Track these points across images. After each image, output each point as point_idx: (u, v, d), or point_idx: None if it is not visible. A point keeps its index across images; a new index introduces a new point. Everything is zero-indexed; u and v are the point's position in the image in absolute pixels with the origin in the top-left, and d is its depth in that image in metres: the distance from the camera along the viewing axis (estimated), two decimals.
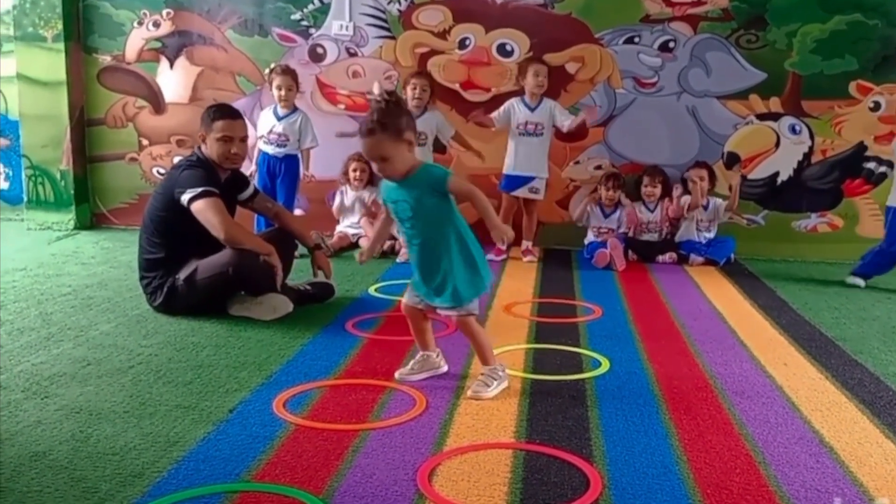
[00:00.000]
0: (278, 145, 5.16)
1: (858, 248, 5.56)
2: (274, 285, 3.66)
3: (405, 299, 2.89)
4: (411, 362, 2.95)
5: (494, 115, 5.27)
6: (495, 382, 2.77)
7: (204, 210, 3.53)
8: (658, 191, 5.44)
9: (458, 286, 2.73)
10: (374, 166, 2.79)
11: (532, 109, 5.22)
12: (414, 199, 2.72)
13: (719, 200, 5.44)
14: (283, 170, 5.19)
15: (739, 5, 5.45)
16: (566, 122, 5.22)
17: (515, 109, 5.23)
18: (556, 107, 5.29)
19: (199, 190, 3.54)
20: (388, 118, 2.67)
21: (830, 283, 4.86)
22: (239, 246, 3.55)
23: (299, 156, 5.23)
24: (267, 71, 5.27)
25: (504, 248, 5.30)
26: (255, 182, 4.56)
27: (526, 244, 5.36)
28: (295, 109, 5.22)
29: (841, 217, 5.62)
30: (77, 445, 2.26)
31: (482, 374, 2.80)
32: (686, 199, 5.41)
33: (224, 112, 3.76)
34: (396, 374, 2.91)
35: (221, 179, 3.71)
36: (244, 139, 3.78)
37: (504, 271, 4.95)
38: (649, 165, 5.57)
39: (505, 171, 5.28)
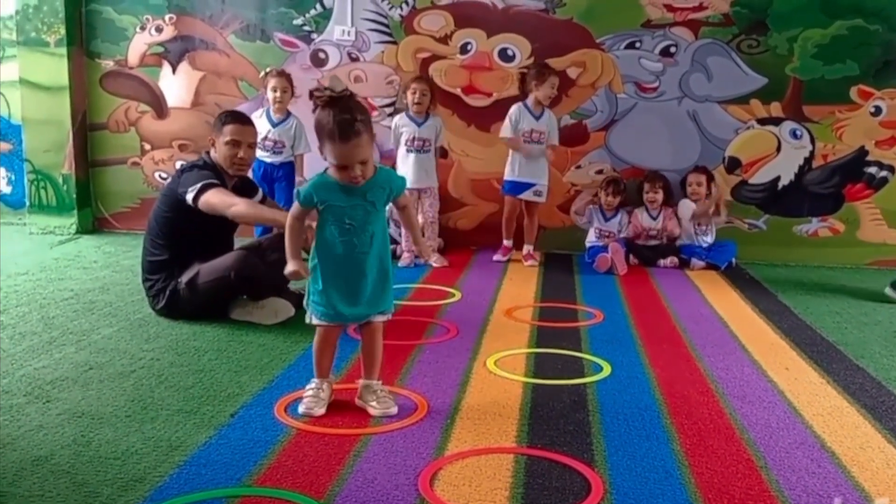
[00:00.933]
0: (274, 152, 5.16)
1: (859, 252, 5.58)
2: (275, 289, 3.66)
3: (324, 321, 2.57)
4: (372, 399, 2.61)
5: (507, 131, 5.21)
6: (391, 398, 2.63)
7: (209, 200, 3.52)
8: (660, 197, 5.44)
9: (390, 291, 2.62)
10: (350, 173, 2.40)
11: (537, 118, 5.23)
12: (370, 205, 2.48)
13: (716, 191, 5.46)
14: (282, 176, 5.20)
15: (740, 10, 5.46)
16: (551, 142, 5.28)
17: (521, 117, 5.20)
18: (554, 120, 5.32)
19: (199, 185, 3.54)
20: (365, 114, 2.41)
21: (832, 287, 4.86)
22: (255, 222, 3.52)
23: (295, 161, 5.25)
24: (262, 74, 5.28)
25: (510, 245, 5.40)
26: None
27: (528, 248, 5.36)
28: (288, 115, 5.22)
29: (842, 222, 5.62)
30: (79, 450, 2.26)
31: (382, 390, 2.63)
32: (687, 203, 5.41)
33: (235, 117, 3.80)
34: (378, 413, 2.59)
35: (228, 186, 3.72)
36: (252, 145, 3.80)
37: (505, 275, 4.95)
38: (650, 172, 5.57)
39: (506, 176, 5.29)
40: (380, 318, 2.63)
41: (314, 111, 2.43)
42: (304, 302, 2.61)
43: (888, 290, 4.55)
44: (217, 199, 3.53)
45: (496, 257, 5.36)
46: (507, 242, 5.42)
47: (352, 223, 2.47)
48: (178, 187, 3.62)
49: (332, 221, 2.49)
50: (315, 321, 2.60)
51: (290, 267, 2.54)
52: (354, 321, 2.63)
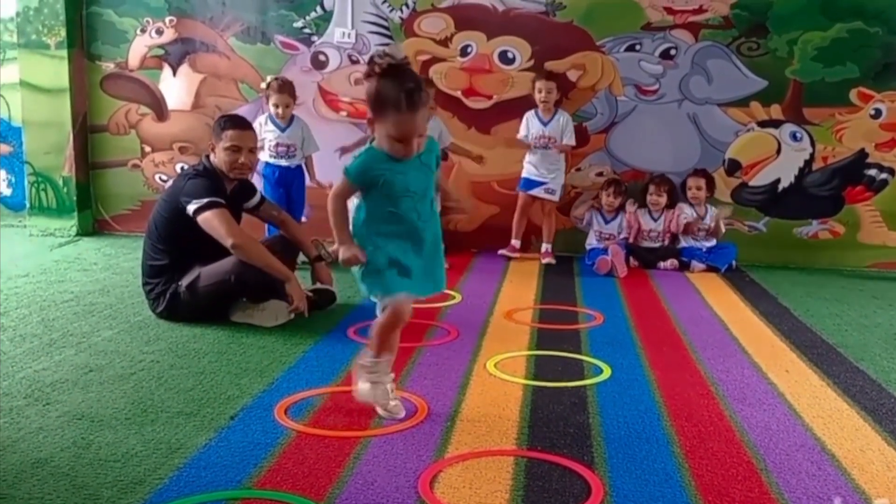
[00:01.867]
0: (289, 156, 5.09)
1: (860, 255, 5.58)
2: (275, 291, 3.66)
3: (403, 304, 2.43)
4: (391, 398, 2.56)
5: (521, 134, 5.45)
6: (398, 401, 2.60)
7: (210, 220, 3.54)
8: (664, 200, 5.45)
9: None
10: (409, 146, 2.29)
11: (545, 124, 5.40)
12: (427, 167, 2.39)
13: (716, 211, 5.46)
14: (298, 181, 5.13)
15: (740, 13, 5.46)
16: (565, 141, 5.40)
17: (530, 123, 5.44)
18: (568, 122, 5.43)
19: (205, 201, 3.55)
20: (424, 85, 2.30)
21: (832, 289, 4.86)
22: (249, 261, 3.54)
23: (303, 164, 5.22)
24: (263, 85, 5.16)
25: (517, 245, 5.53)
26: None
27: (545, 246, 5.50)
28: (293, 118, 5.14)
29: (842, 224, 5.61)
30: (79, 452, 2.26)
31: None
32: (685, 210, 5.42)
33: (234, 122, 3.78)
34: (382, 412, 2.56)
35: (227, 190, 3.72)
36: (253, 150, 3.79)
37: (505, 277, 4.95)
38: (656, 174, 5.58)
39: (522, 174, 5.46)
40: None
41: (367, 77, 2.28)
42: (364, 290, 2.44)
43: None
44: (218, 224, 3.53)
45: (503, 251, 5.51)
46: (514, 242, 5.54)
47: (415, 191, 2.35)
48: (181, 195, 3.61)
49: (389, 194, 2.34)
50: (389, 299, 2.40)
51: (344, 252, 2.35)
52: (423, 293, 2.46)
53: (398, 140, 2.29)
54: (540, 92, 5.34)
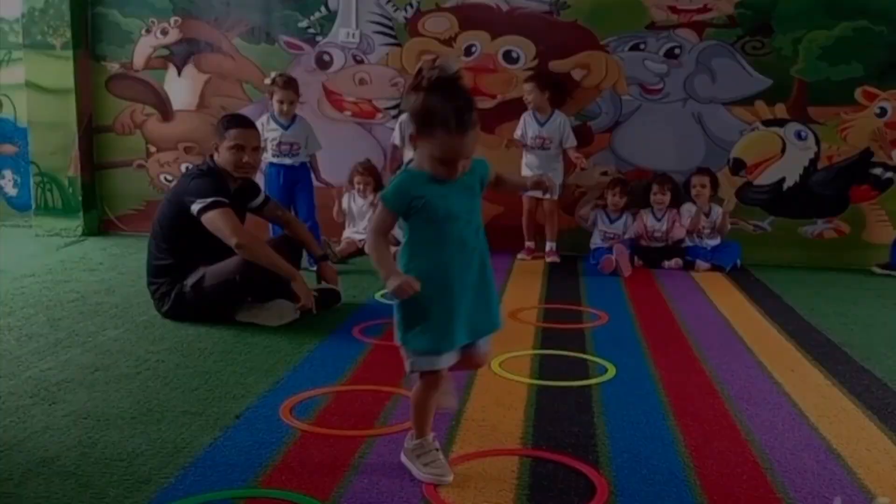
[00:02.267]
0: (292, 154, 5.09)
1: (865, 254, 5.56)
2: (280, 291, 3.67)
3: (443, 364, 2.13)
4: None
5: (517, 135, 5.49)
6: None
7: (214, 219, 3.55)
8: (667, 199, 5.44)
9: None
10: (454, 168, 2.04)
11: (541, 124, 5.42)
12: (470, 189, 2.13)
13: (720, 209, 5.45)
14: (303, 179, 5.12)
15: (745, 12, 5.45)
16: (567, 145, 5.43)
17: (527, 123, 5.45)
18: (565, 124, 5.43)
19: (210, 200, 3.55)
20: (473, 101, 2.06)
21: (837, 288, 4.85)
22: (254, 260, 3.55)
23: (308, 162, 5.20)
24: (267, 81, 5.15)
25: (532, 246, 5.55)
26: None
27: (550, 245, 5.52)
28: (295, 116, 5.13)
29: (847, 223, 5.60)
30: (85, 451, 2.27)
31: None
32: (688, 209, 5.41)
33: (237, 121, 3.79)
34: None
35: (231, 189, 3.73)
36: (256, 149, 3.80)
37: (510, 277, 4.95)
38: (659, 173, 5.57)
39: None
40: (486, 348, 2.26)
41: (413, 91, 2.04)
42: (397, 339, 2.15)
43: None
44: (222, 223, 3.54)
45: (521, 255, 5.51)
46: (528, 243, 5.56)
47: (458, 213, 2.08)
48: (185, 195, 3.62)
49: (431, 218, 2.07)
50: (422, 363, 2.12)
51: (393, 282, 2.02)
52: (472, 337, 2.18)
53: (443, 162, 2.05)
54: (524, 94, 5.41)
